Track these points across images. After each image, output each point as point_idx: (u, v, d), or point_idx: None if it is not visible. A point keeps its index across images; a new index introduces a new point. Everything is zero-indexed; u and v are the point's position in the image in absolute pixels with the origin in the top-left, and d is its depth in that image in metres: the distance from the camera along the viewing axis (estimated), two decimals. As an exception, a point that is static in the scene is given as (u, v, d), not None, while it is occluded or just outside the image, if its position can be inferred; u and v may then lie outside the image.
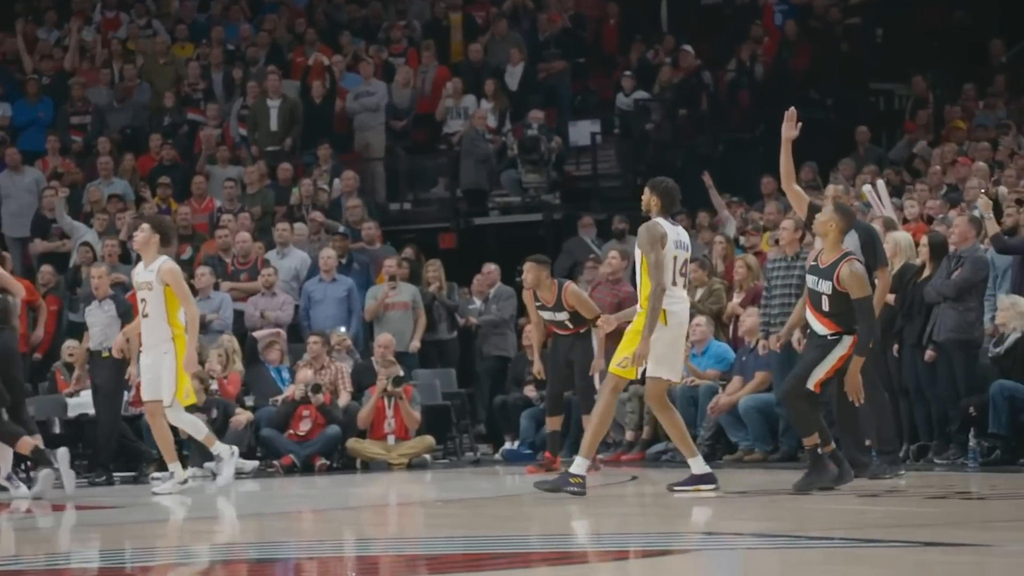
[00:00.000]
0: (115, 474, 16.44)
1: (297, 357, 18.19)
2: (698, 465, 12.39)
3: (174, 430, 14.59)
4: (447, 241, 22.36)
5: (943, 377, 14.80)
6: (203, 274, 18.77)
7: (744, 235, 18.56)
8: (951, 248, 14.93)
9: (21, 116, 23.32)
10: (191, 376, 16.01)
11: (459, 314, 19.52)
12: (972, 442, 14.54)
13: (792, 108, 12.60)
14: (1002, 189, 17.01)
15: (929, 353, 14.83)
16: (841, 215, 12.23)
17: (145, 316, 14.09)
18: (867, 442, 13.43)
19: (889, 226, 15.14)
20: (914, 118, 22.07)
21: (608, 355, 16.00)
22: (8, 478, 14.38)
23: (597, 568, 8.92)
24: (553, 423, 15.77)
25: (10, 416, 14.50)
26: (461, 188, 22.76)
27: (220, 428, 16.85)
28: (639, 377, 12.29)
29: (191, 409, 16.37)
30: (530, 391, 18.00)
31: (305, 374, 17.45)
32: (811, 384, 12.08)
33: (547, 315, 15.49)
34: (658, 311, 11.94)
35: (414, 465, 17.24)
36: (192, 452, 16.35)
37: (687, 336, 13.45)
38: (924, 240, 15.09)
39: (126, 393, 16.57)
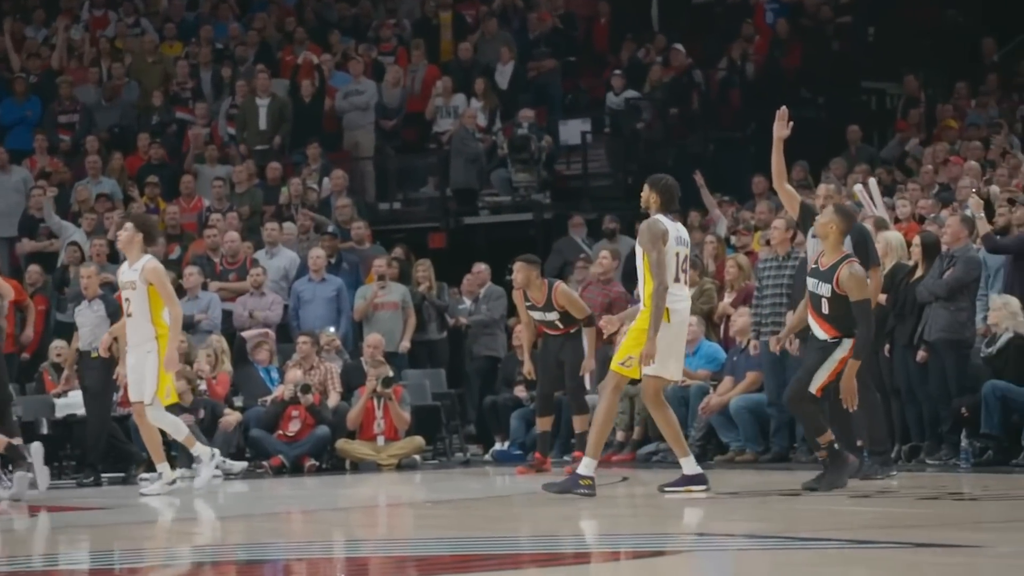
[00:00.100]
0: (104, 475, 16.40)
1: (286, 357, 18.15)
2: (690, 466, 12.35)
3: (163, 431, 14.53)
4: (437, 241, 22.32)
5: (934, 377, 14.79)
6: (191, 274, 18.73)
7: (735, 235, 18.52)
8: (943, 248, 14.90)
9: (8, 115, 23.26)
10: (176, 376, 15.98)
11: (449, 314, 19.47)
12: (964, 442, 14.53)
13: (784, 107, 12.57)
14: (994, 188, 16.98)
15: (921, 354, 14.80)
16: (842, 217, 12.18)
17: (129, 316, 14.05)
18: (859, 443, 13.39)
19: (880, 226, 15.10)
20: (906, 117, 22.04)
21: (599, 355, 16.09)
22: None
23: (587, 570, 8.90)
24: (543, 423, 15.75)
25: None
26: (451, 187, 22.72)
27: (208, 429, 16.83)
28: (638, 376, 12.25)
29: (177, 409, 16.36)
30: (520, 391, 17.96)
31: (294, 374, 17.41)
32: (813, 388, 12.03)
33: (537, 315, 15.45)
34: (662, 309, 11.93)
35: (404, 466, 17.21)
36: (180, 453, 16.23)
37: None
38: (916, 240, 15.08)
39: (115, 393, 16.49)
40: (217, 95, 23.81)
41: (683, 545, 9.68)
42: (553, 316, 15.37)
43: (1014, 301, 14.77)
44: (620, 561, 9.06)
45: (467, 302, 19.63)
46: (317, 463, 17.19)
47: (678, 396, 16.37)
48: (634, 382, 12.69)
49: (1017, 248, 15.20)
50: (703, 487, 12.29)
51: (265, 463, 17.07)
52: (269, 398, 17.55)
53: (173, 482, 14.30)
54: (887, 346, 14.89)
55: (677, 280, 12.11)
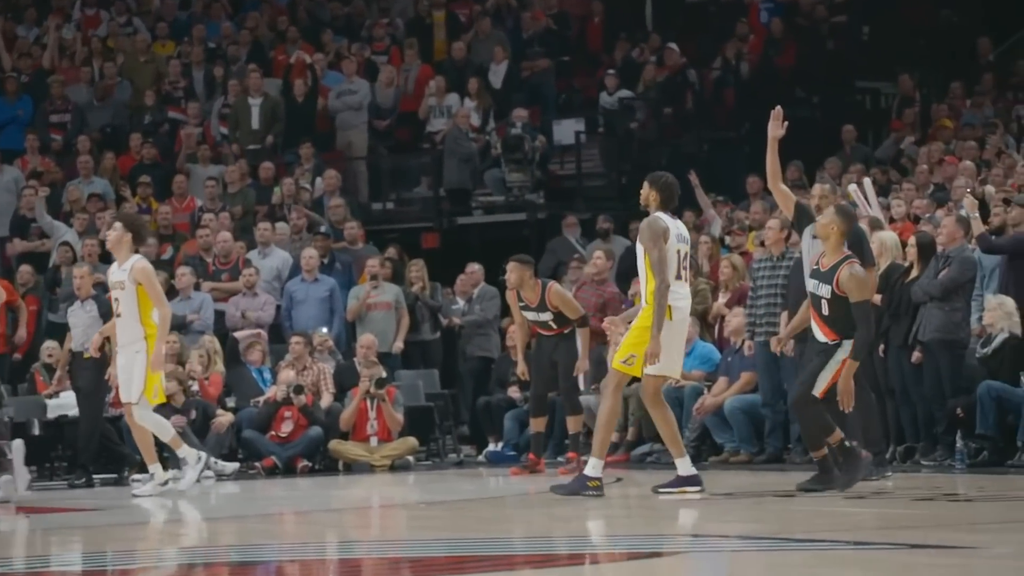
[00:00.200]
0: (97, 476, 16.36)
1: (279, 358, 18.10)
2: (685, 466, 12.33)
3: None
4: (430, 241, 22.29)
5: (929, 378, 14.76)
6: (184, 274, 18.68)
7: (729, 235, 18.47)
8: (939, 248, 14.87)
9: (0, 114, 23.16)
10: (168, 377, 15.92)
11: (442, 314, 19.43)
12: (959, 443, 14.50)
13: (778, 107, 12.55)
14: (989, 188, 16.97)
15: (916, 354, 14.76)
16: (843, 218, 12.13)
17: (118, 316, 14.01)
18: (854, 443, 13.30)
19: (875, 226, 15.07)
20: (901, 117, 22.03)
21: (592, 356, 16.06)
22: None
23: (581, 571, 8.90)
24: (537, 424, 15.72)
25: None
26: (444, 187, 22.67)
27: (200, 430, 16.77)
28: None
29: (169, 410, 16.34)
30: (514, 392, 17.91)
31: (287, 375, 17.37)
32: (817, 392, 11.98)
33: (531, 315, 15.41)
34: (664, 308, 11.92)
35: (397, 467, 17.16)
36: (172, 454, 16.15)
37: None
38: (912, 240, 15.04)
39: (107, 394, 16.43)
40: (209, 94, 23.77)
41: (677, 546, 9.67)
42: (547, 316, 15.33)
43: (1009, 301, 14.75)
44: (614, 563, 9.04)
45: (460, 302, 19.58)
46: (310, 464, 17.13)
47: (672, 397, 16.30)
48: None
49: (1012, 248, 15.18)
50: (697, 488, 12.27)
51: (258, 464, 17.03)
52: (262, 399, 17.51)
53: (165, 483, 14.26)
54: (881, 347, 14.85)
55: (679, 278, 12.10)
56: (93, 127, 23.06)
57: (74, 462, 16.60)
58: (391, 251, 20.18)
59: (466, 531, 10.79)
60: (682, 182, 19.36)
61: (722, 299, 16.93)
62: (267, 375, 18.01)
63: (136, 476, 15.59)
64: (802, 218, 13.09)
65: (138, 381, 13.91)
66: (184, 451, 14.35)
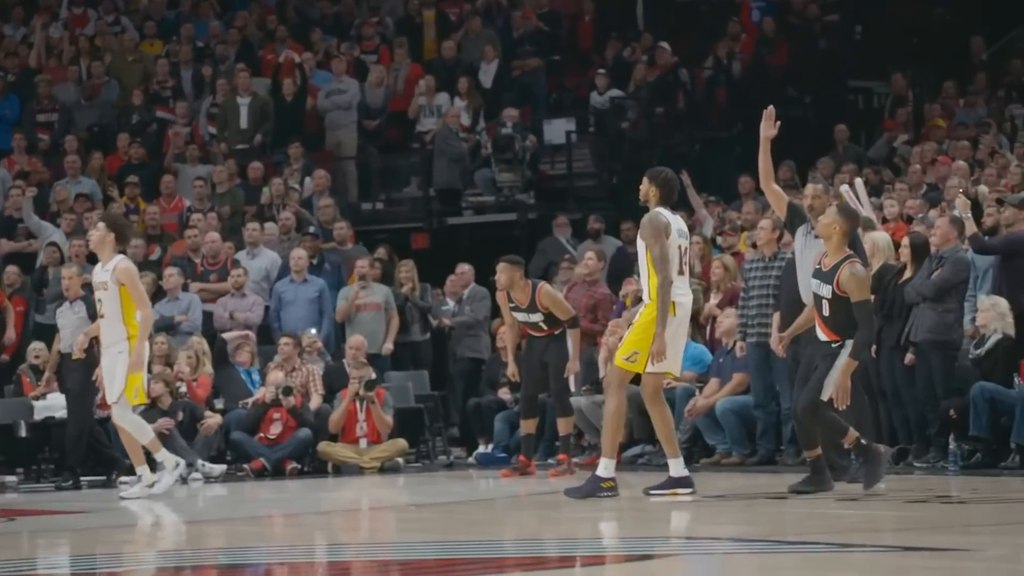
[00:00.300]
0: (84, 478, 16.29)
1: (267, 359, 18.07)
2: (678, 467, 12.31)
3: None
4: (420, 241, 22.23)
5: (921, 379, 14.73)
6: (171, 275, 18.62)
7: (721, 235, 18.40)
8: (933, 249, 14.83)
9: (-13, 114, 23.17)
10: (155, 379, 15.86)
11: (432, 315, 19.38)
12: (952, 445, 14.47)
13: (770, 107, 12.52)
14: (982, 188, 16.93)
15: (909, 356, 14.72)
16: (845, 217, 12.08)
17: (102, 317, 13.98)
18: (845, 445, 13.26)
19: (868, 226, 15.01)
20: (893, 116, 21.98)
21: (583, 357, 16.01)
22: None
23: (572, 574, 8.88)
24: (527, 426, 15.69)
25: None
26: (434, 187, 22.62)
27: (187, 431, 16.69)
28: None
29: (156, 412, 16.28)
30: (504, 393, 17.88)
31: (276, 376, 17.32)
32: (825, 397, 11.92)
33: (521, 316, 15.37)
34: (668, 304, 11.91)
35: (386, 469, 17.12)
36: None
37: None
38: (905, 241, 15.03)
39: (96, 396, 16.34)
40: (198, 94, 23.73)
41: (669, 549, 9.65)
42: (537, 317, 15.29)
43: (1002, 302, 14.71)
44: (605, 565, 9.04)
45: (450, 303, 19.53)
46: (299, 466, 17.09)
47: (664, 398, 16.24)
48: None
49: (1005, 249, 15.14)
50: (689, 490, 12.24)
51: (246, 466, 16.99)
52: (250, 400, 17.46)
53: (152, 485, 14.18)
54: (874, 348, 14.77)
55: (680, 273, 12.10)
56: (80, 127, 23.01)
57: (61, 464, 16.54)
58: (381, 252, 20.13)
59: (456, 533, 10.78)
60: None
61: (713, 300, 16.86)
62: (256, 376, 17.97)
63: (124, 479, 15.51)
64: (795, 218, 13.06)
65: (119, 381, 13.85)
66: (163, 455, 14.27)
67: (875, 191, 18.04)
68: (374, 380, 17.22)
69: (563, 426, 15.56)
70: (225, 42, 24.44)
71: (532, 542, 10.27)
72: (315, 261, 19.38)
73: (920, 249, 14.83)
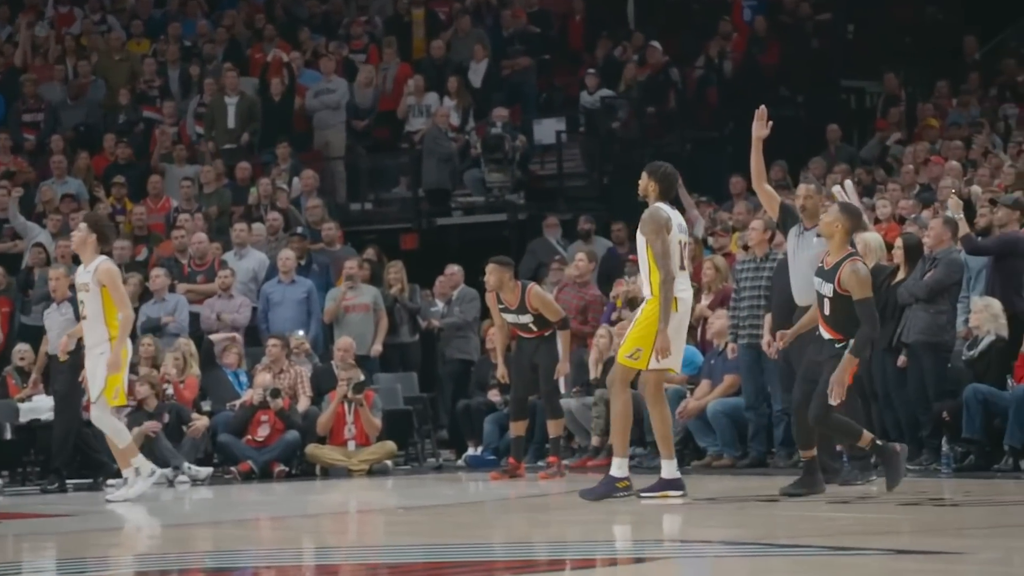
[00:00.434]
0: (71, 481, 16.22)
1: (255, 361, 18.02)
2: (670, 469, 12.24)
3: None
4: (409, 242, 22.19)
5: (913, 380, 14.69)
6: (158, 276, 18.56)
7: (713, 236, 18.32)
8: (926, 250, 14.79)
9: (-28, 114, 23.12)
10: (140, 380, 15.75)
11: (421, 317, 19.31)
12: (945, 447, 14.42)
13: (762, 107, 12.48)
14: (975, 188, 16.90)
15: (902, 359, 14.66)
16: (847, 215, 12.00)
17: (84, 318, 13.94)
18: (838, 448, 13.27)
19: (859, 227, 14.90)
20: (886, 116, 21.96)
21: (573, 358, 15.94)
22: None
23: (562, 578, 8.84)
24: (517, 428, 15.62)
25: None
26: (423, 188, 22.58)
27: (173, 433, 16.60)
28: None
29: (140, 414, 16.18)
30: (494, 395, 17.83)
31: (263, 378, 17.27)
32: (834, 401, 11.81)
33: (511, 318, 15.30)
34: (670, 301, 11.88)
35: (375, 471, 17.06)
36: (147, 458, 15.95)
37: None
38: (899, 242, 14.98)
39: (83, 398, 16.26)
40: (185, 93, 23.70)
41: (660, 552, 9.62)
42: (527, 319, 15.23)
43: (996, 303, 14.69)
44: (595, 568, 9.01)
45: (440, 304, 19.45)
46: (286, 469, 17.02)
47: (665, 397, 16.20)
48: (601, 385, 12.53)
49: (998, 249, 15.12)
50: (680, 492, 12.18)
51: (233, 468, 16.93)
52: (238, 402, 17.39)
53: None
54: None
55: (682, 269, 12.08)
56: (67, 126, 22.97)
57: (47, 467, 16.46)
58: (369, 252, 20.07)
59: (445, 536, 10.71)
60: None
61: (705, 301, 16.78)
62: (243, 378, 17.92)
63: (111, 482, 15.42)
64: (787, 218, 13.03)
65: (98, 382, 13.78)
66: (139, 460, 14.15)
67: (867, 191, 18.00)
68: (362, 382, 17.16)
69: (553, 428, 15.50)
70: (213, 41, 24.42)
71: (522, 545, 10.22)
72: (303, 262, 19.31)
73: (913, 250, 14.78)
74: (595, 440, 16.80)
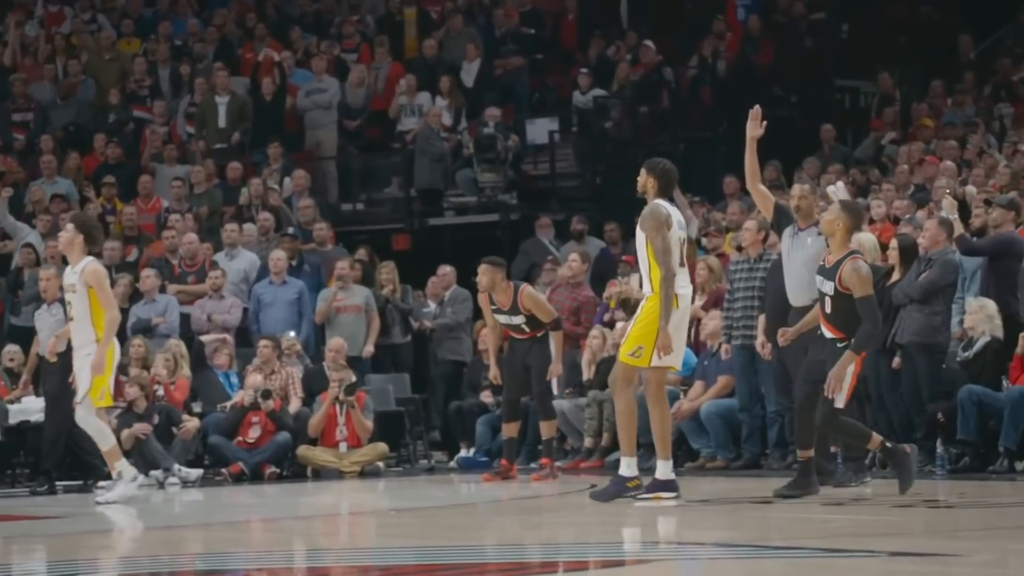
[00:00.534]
0: (60, 483, 16.16)
1: (246, 362, 17.98)
2: (665, 470, 12.20)
3: (118, 439, 14.45)
4: (401, 242, 22.15)
5: (907, 381, 14.67)
6: (148, 276, 18.52)
7: (706, 236, 18.25)
8: (921, 251, 14.75)
9: (-40, 113, 23.06)
10: (130, 382, 15.68)
11: (413, 317, 19.26)
12: (940, 449, 14.39)
13: (756, 106, 12.46)
14: (970, 189, 16.86)
15: (896, 360, 14.61)
16: (849, 214, 11.98)
17: (71, 319, 13.88)
18: (832, 449, 13.22)
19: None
20: (880, 116, 21.92)
21: (566, 359, 15.88)
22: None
23: (554, 580, 8.82)
24: (509, 430, 15.56)
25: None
26: (415, 188, 22.54)
27: (163, 435, 16.51)
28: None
29: (133, 417, 16.13)
30: (486, 397, 17.78)
31: (254, 379, 17.23)
32: (839, 403, 11.78)
33: (503, 319, 15.25)
34: (671, 298, 11.85)
35: (366, 473, 17.03)
36: (137, 459, 16.05)
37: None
38: (894, 243, 14.96)
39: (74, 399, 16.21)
40: (175, 93, 23.65)
41: (653, 554, 9.58)
42: (519, 320, 15.17)
43: (991, 304, 14.65)
44: (588, 571, 8.96)
45: (432, 305, 19.39)
46: (278, 470, 16.96)
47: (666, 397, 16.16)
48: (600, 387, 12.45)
49: (992, 250, 15.08)
50: (673, 494, 12.15)
51: (224, 470, 16.87)
52: (229, 404, 17.35)
53: (134, 478, 14.05)
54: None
55: (682, 265, 12.04)
56: (56, 126, 22.92)
57: (36, 469, 16.39)
58: (361, 253, 20.01)
59: (437, 538, 10.67)
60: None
61: (698, 302, 16.69)
62: (234, 379, 17.88)
63: (101, 484, 15.35)
64: (781, 219, 13.00)
65: (84, 383, 13.72)
66: (122, 464, 14.08)
67: (862, 191, 17.96)
68: (354, 384, 17.11)
69: (546, 430, 15.43)
70: (203, 40, 24.37)
71: (514, 547, 10.18)
72: (294, 262, 19.26)
73: (908, 251, 14.75)
74: (588, 442, 16.77)
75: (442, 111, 22.54)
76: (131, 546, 11.38)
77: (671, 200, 12.24)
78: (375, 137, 23.49)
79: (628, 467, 12.07)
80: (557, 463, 15.68)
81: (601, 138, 23.04)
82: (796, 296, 12.82)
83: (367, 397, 17.36)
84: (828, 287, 11.76)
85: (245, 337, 18.68)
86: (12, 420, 17.02)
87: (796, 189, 13.45)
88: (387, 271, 19.28)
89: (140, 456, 15.95)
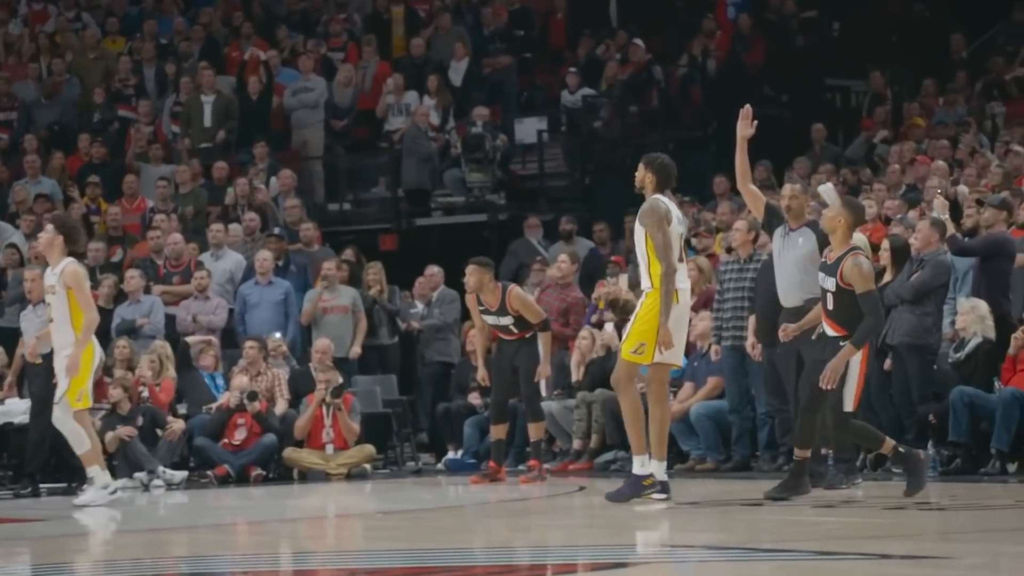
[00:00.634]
0: (44, 486, 16.09)
1: (232, 363, 17.92)
2: (658, 471, 12.11)
3: (102, 441, 14.44)
4: (388, 243, 22.12)
5: (897, 383, 14.63)
6: (133, 277, 18.45)
7: (696, 236, 18.17)
8: (913, 252, 14.71)
9: (-56, 112, 23.02)
10: (114, 383, 15.55)
11: (400, 318, 19.20)
12: (932, 451, 14.32)
13: (747, 106, 12.41)
14: (962, 188, 16.83)
15: (888, 363, 14.56)
16: (850, 210, 11.93)
17: (51, 320, 13.82)
18: (823, 451, 13.15)
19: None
20: (872, 115, 21.91)
21: (554, 360, 15.80)
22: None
23: (543, 584, 8.81)
24: (497, 431, 15.51)
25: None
26: (403, 188, 22.51)
27: (147, 436, 16.41)
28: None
29: (116, 419, 16.02)
30: (474, 398, 17.71)
31: (240, 381, 17.16)
32: (848, 406, 11.73)
33: (491, 319, 15.18)
34: (671, 294, 11.78)
35: (353, 475, 16.97)
36: (121, 462, 16.10)
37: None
38: (885, 244, 14.92)
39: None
40: (161, 92, 23.65)
41: (642, 556, 9.56)
42: (507, 320, 15.11)
43: (982, 305, 14.62)
44: (576, 573, 8.93)
45: (419, 306, 19.33)
46: (264, 472, 16.90)
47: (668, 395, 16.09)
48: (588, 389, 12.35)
49: (984, 250, 15.05)
50: (664, 496, 12.08)
51: (210, 472, 16.80)
52: (214, 405, 17.27)
53: (113, 492, 14.01)
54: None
55: (681, 260, 12.00)
56: (40, 125, 22.91)
57: (19, 471, 16.32)
58: (348, 253, 19.95)
59: (425, 541, 10.63)
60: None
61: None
62: (220, 381, 17.80)
63: (85, 487, 15.20)
64: (772, 219, 12.99)
65: (62, 384, 13.65)
66: (95, 471, 13.95)
67: (853, 191, 17.88)
68: (341, 386, 17.07)
69: (534, 431, 15.37)
70: (189, 39, 24.38)
71: (502, 550, 10.14)
72: (280, 263, 19.21)
73: (901, 252, 14.71)
74: (576, 443, 16.71)
75: (430, 110, 22.49)
76: (115, 549, 11.31)
77: (671, 195, 12.19)
78: (362, 137, 23.46)
79: (641, 465, 12.01)
80: (545, 465, 15.62)
81: (590, 138, 23.02)
82: (787, 297, 12.76)
83: (354, 399, 17.30)
84: (830, 283, 11.71)
85: (231, 338, 18.61)
86: (-5, 422, 17.00)
87: (787, 189, 13.40)
88: (374, 272, 19.22)
89: (124, 458, 15.91)
